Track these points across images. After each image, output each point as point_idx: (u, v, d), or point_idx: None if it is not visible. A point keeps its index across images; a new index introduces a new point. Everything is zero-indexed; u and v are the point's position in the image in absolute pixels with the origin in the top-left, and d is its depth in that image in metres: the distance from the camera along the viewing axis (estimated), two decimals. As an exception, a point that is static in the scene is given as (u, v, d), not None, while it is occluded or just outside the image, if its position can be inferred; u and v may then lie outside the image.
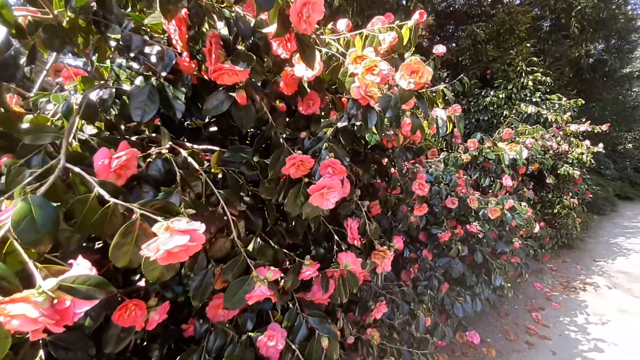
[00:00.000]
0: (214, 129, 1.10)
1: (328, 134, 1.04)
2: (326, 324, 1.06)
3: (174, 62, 0.77)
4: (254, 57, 0.68)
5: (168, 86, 0.77)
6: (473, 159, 2.61)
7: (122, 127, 0.96)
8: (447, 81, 5.07)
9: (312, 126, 1.13)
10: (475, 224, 2.24)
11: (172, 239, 0.45)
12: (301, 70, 0.94)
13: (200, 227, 0.48)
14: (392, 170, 1.47)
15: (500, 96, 3.66)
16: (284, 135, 1.06)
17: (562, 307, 3.12)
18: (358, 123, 0.99)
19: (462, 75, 2.44)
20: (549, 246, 4.05)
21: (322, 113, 1.22)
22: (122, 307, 0.68)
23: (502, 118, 3.55)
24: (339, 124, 1.07)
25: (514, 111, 3.42)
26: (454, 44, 4.28)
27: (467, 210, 2.32)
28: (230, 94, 0.77)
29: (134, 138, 0.94)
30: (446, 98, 1.32)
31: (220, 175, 0.90)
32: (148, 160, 0.77)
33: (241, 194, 1.01)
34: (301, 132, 1.08)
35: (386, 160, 1.48)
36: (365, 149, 1.28)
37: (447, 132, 1.40)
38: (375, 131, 1.06)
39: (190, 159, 0.86)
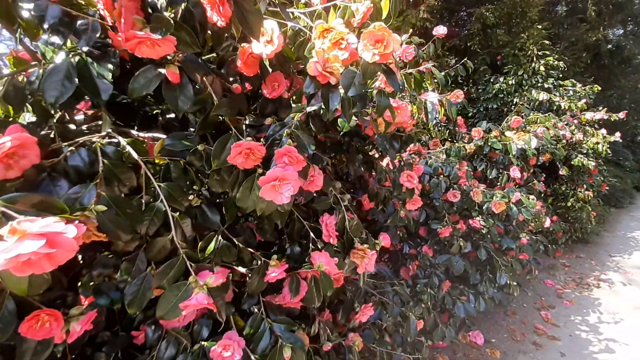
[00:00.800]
0: (171, 115, 1.00)
1: (296, 119, 0.92)
2: (293, 331, 0.95)
3: (98, 34, 0.66)
4: (172, 22, 0.56)
5: (92, 63, 0.66)
6: (478, 149, 2.44)
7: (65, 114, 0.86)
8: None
9: (281, 112, 1.02)
10: (479, 218, 2.09)
11: (20, 244, 0.35)
12: (259, 47, 0.82)
13: (67, 229, 0.37)
14: (380, 161, 1.34)
15: (510, 82, 3.43)
16: (247, 122, 0.95)
17: (574, 305, 2.95)
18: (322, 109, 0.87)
19: (465, 59, 2.27)
20: (562, 241, 3.84)
21: (294, 97, 1.10)
22: (32, 318, 0.58)
23: (512, 106, 3.33)
24: (308, 108, 0.95)
25: (524, 98, 3.20)
26: (466, 30, 4.05)
27: (470, 204, 2.17)
28: (162, 70, 0.66)
29: (72, 126, 0.85)
30: (435, 80, 1.18)
31: (171, 166, 0.80)
32: (69, 149, 0.67)
33: (195, 187, 0.90)
34: (267, 119, 0.96)
35: (374, 151, 1.35)
36: (345, 137, 1.15)
37: (438, 118, 1.26)
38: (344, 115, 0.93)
39: (130, 149, 0.76)
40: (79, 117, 0.89)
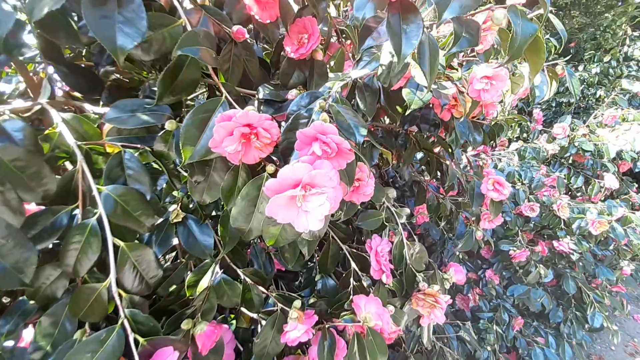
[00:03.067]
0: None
1: (335, 88, 0.57)
2: None
3: None
4: None
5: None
6: (562, 150, 1.94)
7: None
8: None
9: (313, 81, 0.68)
10: (567, 240, 1.61)
11: None
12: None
13: None
14: (447, 160, 0.95)
15: (593, 72, 2.81)
16: (261, 96, 0.62)
17: (682, 354, 2.30)
18: (381, 64, 0.51)
19: (547, 37, 1.79)
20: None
21: (333, 63, 0.76)
22: None
23: (590, 100, 2.73)
24: (355, 73, 0.60)
25: (614, 90, 2.59)
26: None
27: (553, 221, 1.69)
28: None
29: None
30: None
31: (127, 156, 0.48)
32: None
33: (176, 192, 0.59)
34: (290, 91, 0.63)
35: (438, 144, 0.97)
36: (403, 121, 0.78)
37: (545, 98, 0.85)
38: (422, 80, 0.57)
39: (63, 128, 0.45)
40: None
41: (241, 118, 0.36)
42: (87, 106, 0.58)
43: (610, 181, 1.84)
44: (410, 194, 1.47)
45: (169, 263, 0.77)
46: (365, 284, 0.75)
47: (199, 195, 0.47)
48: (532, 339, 1.70)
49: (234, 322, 0.72)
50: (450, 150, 0.98)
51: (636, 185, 2.73)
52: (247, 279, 0.66)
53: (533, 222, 1.77)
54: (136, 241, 0.54)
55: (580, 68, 2.97)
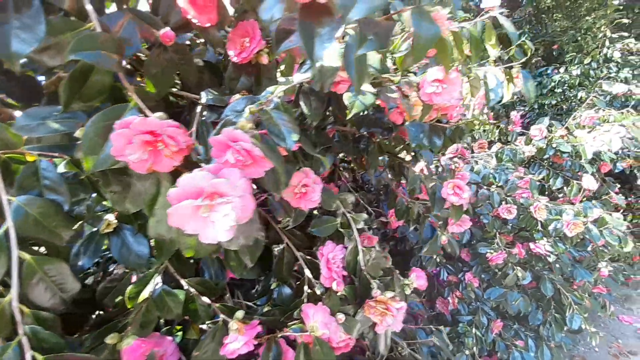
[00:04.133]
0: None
1: (277, 93, 0.56)
2: None
3: None
4: None
5: None
6: (538, 152, 1.95)
7: None
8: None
9: (259, 86, 0.67)
10: (544, 242, 1.60)
11: None
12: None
13: None
14: (413, 165, 0.94)
15: (574, 73, 2.83)
16: (203, 101, 0.61)
17: (665, 354, 2.31)
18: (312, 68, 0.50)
19: (523, 39, 1.80)
20: (639, 267, 3.15)
21: (282, 67, 0.74)
22: None
23: (573, 102, 2.75)
24: (297, 77, 0.59)
25: (594, 92, 2.61)
26: (514, 17, 3.51)
27: (530, 223, 1.69)
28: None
29: None
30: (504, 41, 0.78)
31: (43, 166, 0.46)
32: None
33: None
34: (234, 96, 0.61)
35: (402, 149, 0.96)
36: (359, 125, 0.77)
37: (501, 101, 0.85)
38: (351, 79, 0.56)
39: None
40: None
41: (139, 125, 0.35)
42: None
43: (589, 182, 1.84)
44: (385, 198, 1.46)
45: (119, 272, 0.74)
46: (318, 292, 0.74)
47: (119, 205, 0.46)
48: (511, 342, 1.69)
49: (179, 333, 0.70)
50: (414, 153, 0.97)
51: (619, 186, 2.75)
52: (192, 289, 0.64)
53: (511, 224, 1.77)
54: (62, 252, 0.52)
55: (562, 70, 3.00)
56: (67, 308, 0.68)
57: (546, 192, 2.25)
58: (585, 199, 2.41)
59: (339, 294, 0.72)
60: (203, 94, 0.61)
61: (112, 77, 0.41)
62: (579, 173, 1.97)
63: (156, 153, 0.38)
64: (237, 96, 0.61)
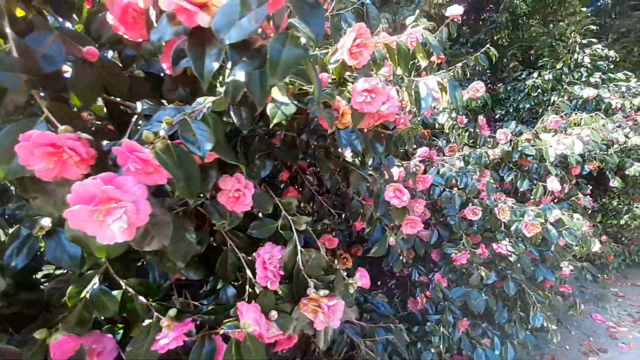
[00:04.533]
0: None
1: (206, 103, 0.60)
2: None
3: None
4: None
5: None
6: (506, 155, 2.01)
7: None
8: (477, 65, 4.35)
9: (194, 97, 0.70)
10: (505, 242, 1.66)
11: None
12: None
13: None
14: (356, 168, 0.99)
15: (546, 78, 2.91)
16: (139, 110, 0.64)
17: (633, 350, 2.38)
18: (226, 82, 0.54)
19: (487, 47, 1.87)
20: (613, 266, 3.23)
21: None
22: None
23: (548, 106, 2.83)
24: (223, 87, 0.63)
25: (565, 96, 2.69)
26: (493, 23, 3.59)
27: (495, 224, 1.75)
28: None
29: None
30: (431, 52, 0.83)
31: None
32: None
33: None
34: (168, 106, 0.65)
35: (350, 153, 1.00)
36: (299, 132, 0.81)
37: (431, 108, 0.90)
38: (278, 96, 0.60)
39: None
40: None
41: (38, 138, 0.38)
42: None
43: (553, 184, 1.91)
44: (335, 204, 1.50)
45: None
46: (258, 291, 0.78)
47: (43, 209, 0.49)
48: (477, 341, 1.74)
49: (121, 331, 0.74)
50: (363, 157, 1.02)
51: (590, 188, 2.83)
52: (130, 290, 0.68)
53: (476, 225, 1.82)
54: None
55: (535, 74, 3.08)
56: (16, 308, 0.71)
57: (518, 194, 2.31)
58: (556, 200, 2.49)
59: (277, 292, 0.75)
60: (139, 104, 0.65)
61: (27, 95, 0.45)
62: (547, 175, 2.04)
63: (63, 162, 0.42)
64: (170, 107, 0.65)
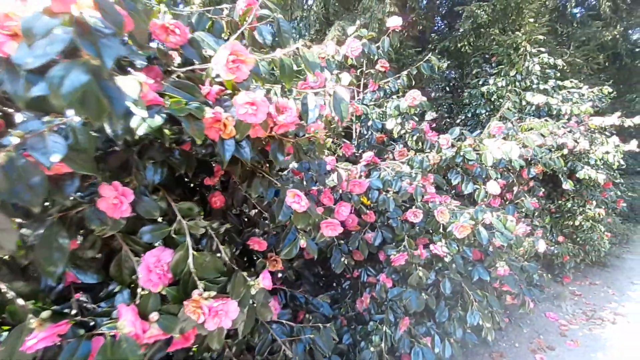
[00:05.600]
0: None
1: (74, 117, 0.64)
2: None
3: None
4: None
5: None
6: (452, 160, 2.08)
7: None
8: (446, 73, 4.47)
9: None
10: (441, 243, 1.72)
11: None
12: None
13: None
14: (265, 175, 1.03)
15: (500, 84, 3.02)
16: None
17: (580, 348, 2.47)
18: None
19: (429, 55, 1.94)
20: (570, 265, 3.34)
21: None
22: None
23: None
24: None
25: (517, 102, 2.79)
26: (458, 30, 3.71)
27: (435, 226, 1.81)
28: None
29: None
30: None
31: None
32: None
33: None
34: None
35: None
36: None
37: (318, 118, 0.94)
38: (136, 111, 0.64)
39: None
40: None
41: None
42: None
43: (493, 187, 1.98)
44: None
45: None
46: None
47: None
48: (416, 339, 1.80)
49: (5, 333, 0.76)
50: (271, 165, 1.06)
51: (543, 190, 2.94)
52: (9, 293, 0.71)
53: (418, 227, 1.88)
54: None
55: (491, 81, 3.19)
56: None
57: (472, 198, 2.39)
58: (506, 202, 2.58)
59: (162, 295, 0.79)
60: (19, 115, 0.69)
61: None
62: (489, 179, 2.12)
63: None
64: (47, 118, 0.68)
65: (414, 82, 2.00)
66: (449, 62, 3.94)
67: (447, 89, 4.30)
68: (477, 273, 1.81)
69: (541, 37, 3.05)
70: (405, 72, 1.99)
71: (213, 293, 0.80)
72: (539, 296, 2.93)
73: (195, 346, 0.99)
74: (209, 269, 0.86)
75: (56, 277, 0.73)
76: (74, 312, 0.82)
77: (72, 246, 0.78)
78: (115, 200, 0.72)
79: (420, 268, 1.76)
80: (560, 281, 3.47)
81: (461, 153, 2.00)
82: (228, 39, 1.12)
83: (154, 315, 0.75)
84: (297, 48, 0.84)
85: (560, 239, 3.27)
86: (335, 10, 3.28)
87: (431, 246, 1.74)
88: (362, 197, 1.73)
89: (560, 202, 3.26)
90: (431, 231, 1.85)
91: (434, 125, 2.17)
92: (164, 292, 0.79)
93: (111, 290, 0.90)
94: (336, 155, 2.20)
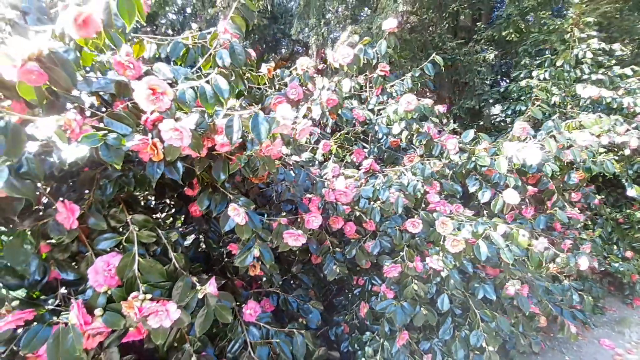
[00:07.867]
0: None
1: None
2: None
3: None
4: None
5: None
6: (464, 165, 1.93)
7: None
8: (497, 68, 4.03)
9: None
10: (437, 256, 1.62)
11: None
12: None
13: None
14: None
15: (542, 77, 2.60)
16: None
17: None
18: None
19: (433, 55, 1.83)
20: (640, 286, 2.80)
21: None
22: None
23: (552, 106, 2.54)
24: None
25: (562, 97, 2.39)
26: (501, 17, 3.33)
27: (437, 237, 1.71)
28: None
29: None
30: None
31: None
32: None
33: None
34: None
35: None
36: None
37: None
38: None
39: None
40: None
41: None
42: None
43: (510, 196, 1.78)
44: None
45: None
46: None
47: None
48: (413, 356, 1.72)
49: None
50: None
51: (598, 197, 2.54)
52: (-3, 284, 0.91)
53: (418, 238, 1.79)
54: None
55: (535, 73, 2.76)
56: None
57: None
58: (540, 213, 2.29)
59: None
60: None
61: None
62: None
63: None
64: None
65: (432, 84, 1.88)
66: (495, 52, 3.58)
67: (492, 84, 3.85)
68: (482, 291, 1.66)
69: (591, 19, 2.55)
70: (409, 75, 1.90)
71: (149, 295, 0.92)
72: (592, 319, 2.53)
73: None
74: (154, 274, 0.97)
75: (28, 273, 0.91)
76: (57, 302, 1.02)
77: (44, 250, 0.97)
78: (68, 214, 0.88)
79: (416, 281, 1.68)
80: (631, 303, 2.93)
81: (473, 158, 1.84)
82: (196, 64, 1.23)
83: (98, 311, 0.89)
84: (211, 77, 0.90)
85: (629, 254, 2.76)
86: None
87: (427, 259, 1.65)
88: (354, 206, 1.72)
89: (629, 211, 2.75)
90: (433, 242, 1.74)
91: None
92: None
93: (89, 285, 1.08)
94: (344, 162, 2.19)
